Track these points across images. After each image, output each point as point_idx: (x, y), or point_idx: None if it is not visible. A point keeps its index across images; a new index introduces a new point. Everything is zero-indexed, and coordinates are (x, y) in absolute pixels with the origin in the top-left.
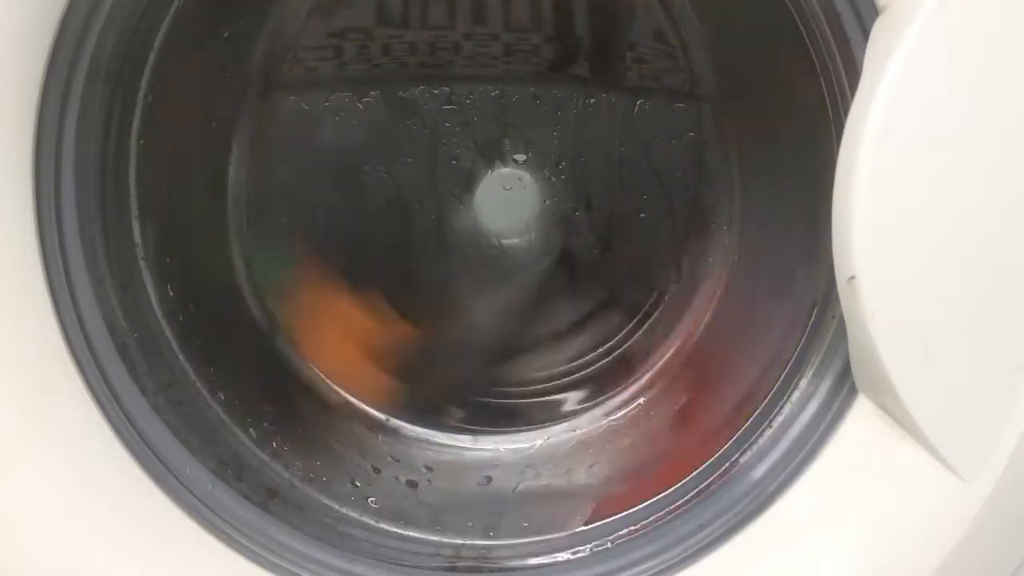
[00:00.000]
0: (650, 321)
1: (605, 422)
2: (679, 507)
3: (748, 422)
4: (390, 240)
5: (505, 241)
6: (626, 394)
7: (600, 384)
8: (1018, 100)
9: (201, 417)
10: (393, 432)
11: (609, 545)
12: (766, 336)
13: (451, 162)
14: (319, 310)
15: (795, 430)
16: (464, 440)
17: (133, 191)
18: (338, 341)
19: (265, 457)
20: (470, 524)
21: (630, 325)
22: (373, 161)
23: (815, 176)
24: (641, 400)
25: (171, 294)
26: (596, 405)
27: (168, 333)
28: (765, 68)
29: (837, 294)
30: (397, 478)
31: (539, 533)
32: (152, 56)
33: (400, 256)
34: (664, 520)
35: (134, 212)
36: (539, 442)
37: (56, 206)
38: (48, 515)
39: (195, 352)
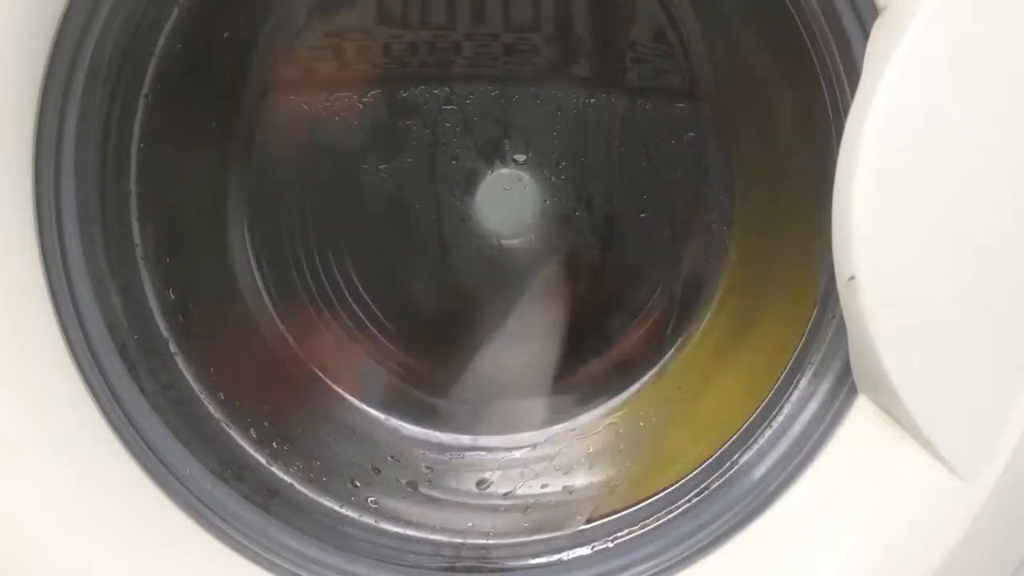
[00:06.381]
0: (650, 321)
1: (605, 422)
2: (679, 507)
3: (748, 422)
4: (389, 239)
5: (505, 241)
6: (626, 394)
7: (600, 384)
8: (1018, 100)
9: (201, 417)
10: (393, 432)
11: (609, 545)
12: (766, 336)
13: (451, 162)
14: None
15: (795, 430)
16: (464, 440)
17: (133, 191)
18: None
19: (265, 457)
20: (470, 524)
21: (630, 325)
22: (373, 161)
23: (815, 176)
24: (641, 400)
25: (171, 294)
26: (596, 405)
27: (168, 333)
28: (765, 68)
29: (837, 294)
30: (397, 478)
31: (539, 533)
32: (152, 56)
33: (399, 255)
34: (664, 520)
35: (134, 212)
36: (539, 442)
37: (56, 206)
38: (48, 515)
39: (195, 352)
